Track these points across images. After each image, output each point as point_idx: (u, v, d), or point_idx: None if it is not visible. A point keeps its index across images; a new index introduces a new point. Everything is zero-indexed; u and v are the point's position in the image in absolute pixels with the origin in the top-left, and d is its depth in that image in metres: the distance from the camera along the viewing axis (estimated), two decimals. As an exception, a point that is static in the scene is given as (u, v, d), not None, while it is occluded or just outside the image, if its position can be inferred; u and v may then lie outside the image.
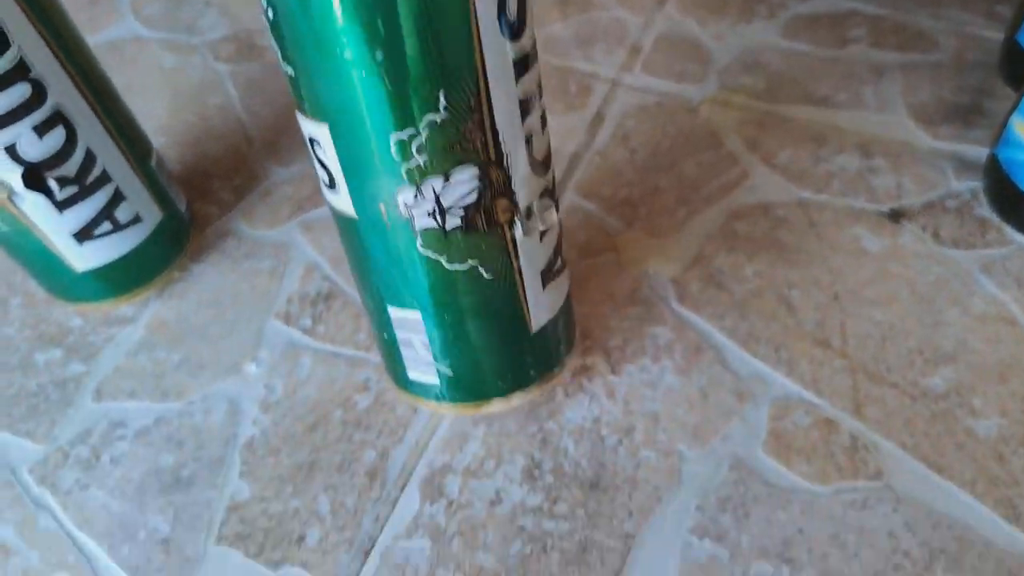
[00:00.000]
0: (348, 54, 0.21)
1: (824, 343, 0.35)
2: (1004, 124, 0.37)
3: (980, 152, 0.41)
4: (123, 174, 0.36)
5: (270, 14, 0.22)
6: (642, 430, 0.34)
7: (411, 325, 0.29)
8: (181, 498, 0.34)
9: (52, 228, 0.35)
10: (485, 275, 0.27)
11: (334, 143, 0.24)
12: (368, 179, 0.24)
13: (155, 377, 0.38)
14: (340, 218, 0.27)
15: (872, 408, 0.34)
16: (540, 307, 0.30)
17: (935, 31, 0.47)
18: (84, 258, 0.36)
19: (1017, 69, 0.43)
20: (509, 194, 0.26)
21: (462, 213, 0.25)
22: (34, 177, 0.33)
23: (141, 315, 0.40)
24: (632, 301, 0.38)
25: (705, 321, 0.37)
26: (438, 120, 0.23)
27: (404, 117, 0.22)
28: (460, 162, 0.24)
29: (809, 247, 0.39)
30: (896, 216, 0.39)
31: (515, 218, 0.26)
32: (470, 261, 0.27)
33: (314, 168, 0.26)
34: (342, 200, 0.26)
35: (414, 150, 0.23)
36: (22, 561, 0.33)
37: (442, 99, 0.23)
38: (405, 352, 0.31)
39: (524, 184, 0.26)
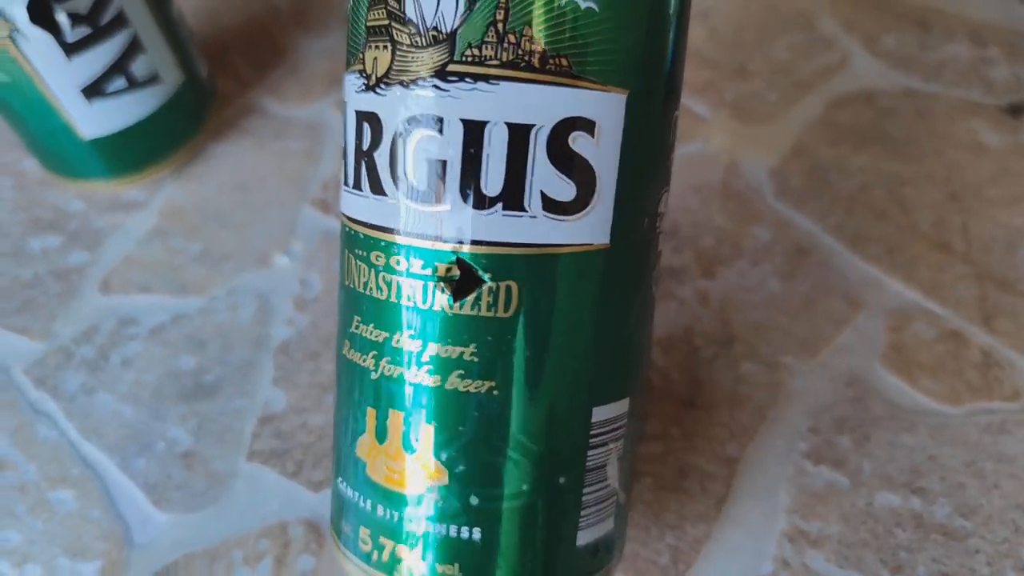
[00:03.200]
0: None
1: (944, 246, 0.30)
2: None
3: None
4: (142, 19, 0.29)
5: None
6: (742, 341, 0.28)
7: (612, 425, 0.19)
8: (205, 406, 0.28)
9: (58, 79, 0.28)
10: None
11: (626, 124, 0.16)
12: (647, 187, 0.18)
13: (171, 269, 0.31)
14: (560, 268, 0.17)
15: (1004, 320, 0.28)
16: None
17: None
18: (92, 121, 0.30)
19: None
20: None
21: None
22: (41, 8, 0.26)
23: (153, 199, 0.33)
24: (725, 195, 0.31)
25: (808, 219, 0.31)
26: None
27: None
28: None
29: (920, 140, 0.32)
30: (1016, 111, 0.33)
31: None
32: None
33: (512, 196, 0.16)
34: (591, 228, 0.17)
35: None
36: (18, 475, 0.27)
37: None
38: (588, 492, 0.18)
39: None
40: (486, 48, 0.16)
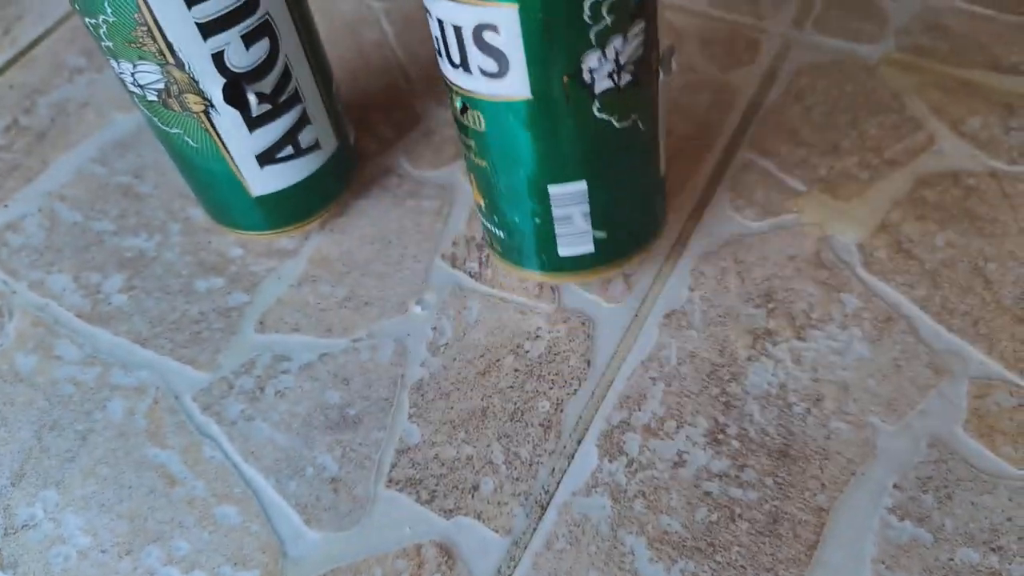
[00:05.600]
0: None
1: (1026, 322, 0.31)
2: None
3: None
4: (312, 96, 0.33)
5: None
6: (832, 399, 0.30)
7: (573, 198, 0.29)
8: (349, 437, 0.31)
9: (239, 147, 0.32)
10: (641, 128, 0.28)
11: (521, 23, 0.24)
12: (555, 53, 0.25)
13: (319, 311, 0.35)
14: (499, 109, 0.26)
15: (1083, 394, 0.29)
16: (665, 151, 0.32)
17: None
18: (262, 182, 0.34)
19: None
20: (658, 43, 0.27)
21: (632, 68, 0.26)
22: (235, 90, 0.30)
23: (303, 248, 0.37)
24: (816, 264, 0.33)
25: (895, 290, 0.32)
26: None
27: None
28: (635, 17, 0.25)
29: (1004, 219, 0.34)
30: (1098, 192, 0.34)
31: (659, 66, 0.27)
32: (632, 116, 0.28)
33: (466, 66, 0.26)
34: (513, 85, 0.26)
35: (604, 11, 0.24)
36: (187, 490, 0.31)
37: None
38: (560, 229, 0.30)
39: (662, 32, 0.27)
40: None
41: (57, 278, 0.37)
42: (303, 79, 0.32)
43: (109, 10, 0.27)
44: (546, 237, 0.30)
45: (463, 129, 0.29)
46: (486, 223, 0.32)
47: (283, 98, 0.32)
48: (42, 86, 0.46)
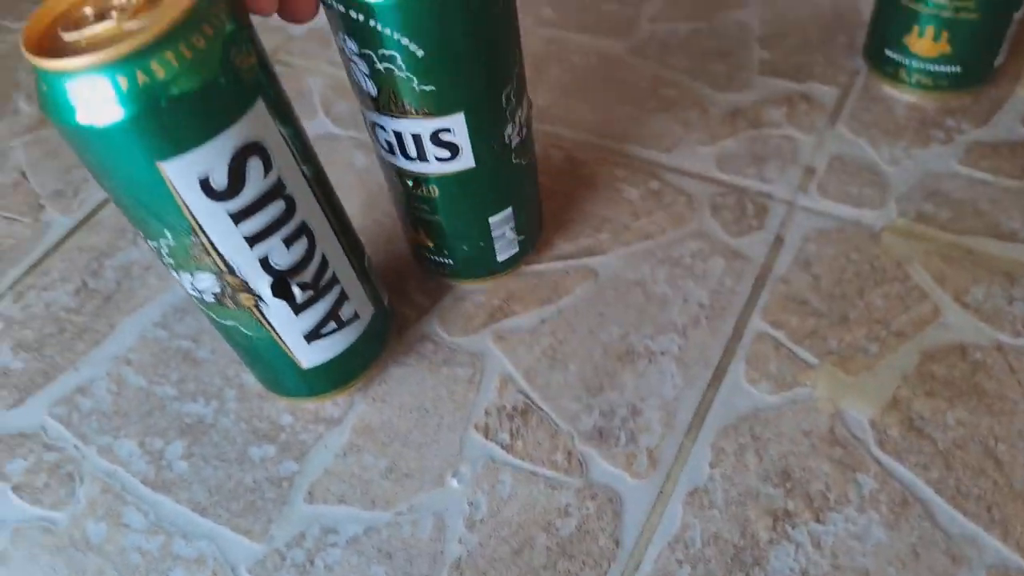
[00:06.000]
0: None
1: (1036, 502, 0.31)
2: None
3: None
4: (347, 275, 0.35)
5: (419, 53, 0.30)
6: (851, 585, 0.30)
7: (505, 220, 0.39)
8: (392, 613, 0.32)
9: (288, 330, 0.33)
10: (533, 160, 0.39)
11: (467, 123, 0.33)
12: (489, 134, 0.34)
13: (363, 483, 0.36)
14: (449, 179, 0.35)
15: (1095, 581, 0.29)
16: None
17: (1121, 164, 0.43)
18: (310, 356, 0.35)
19: None
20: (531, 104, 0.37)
21: (526, 125, 0.36)
22: (281, 285, 0.31)
23: (348, 416, 0.38)
24: (831, 442, 0.34)
25: (909, 471, 0.33)
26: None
27: (507, 76, 0.33)
28: (523, 94, 0.35)
29: (1012, 395, 0.34)
30: (1099, 364, 0.35)
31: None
32: (529, 154, 0.38)
33: (423, 157, 0.34)
34: (462, 162, 0.34)
35: (512, 97, 0.34)
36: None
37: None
38: (498, 244, 0.40)
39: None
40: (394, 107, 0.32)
41: (124, 443, 0.39)
42: (338, 263, 0.34)
43: (168, 235, 0.29)
44: (487, 252, 0.40)
45: (415, 199, 0.37)
46: (435, 258, 0.41)
47: (323, 283, 0.33)
48: (108, 249, 0.48)
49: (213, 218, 0.28)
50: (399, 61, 0.30)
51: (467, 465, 0.36)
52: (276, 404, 0.39)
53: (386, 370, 0.39)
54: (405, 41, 0.29)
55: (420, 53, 0.30)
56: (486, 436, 0.36)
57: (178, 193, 0.26)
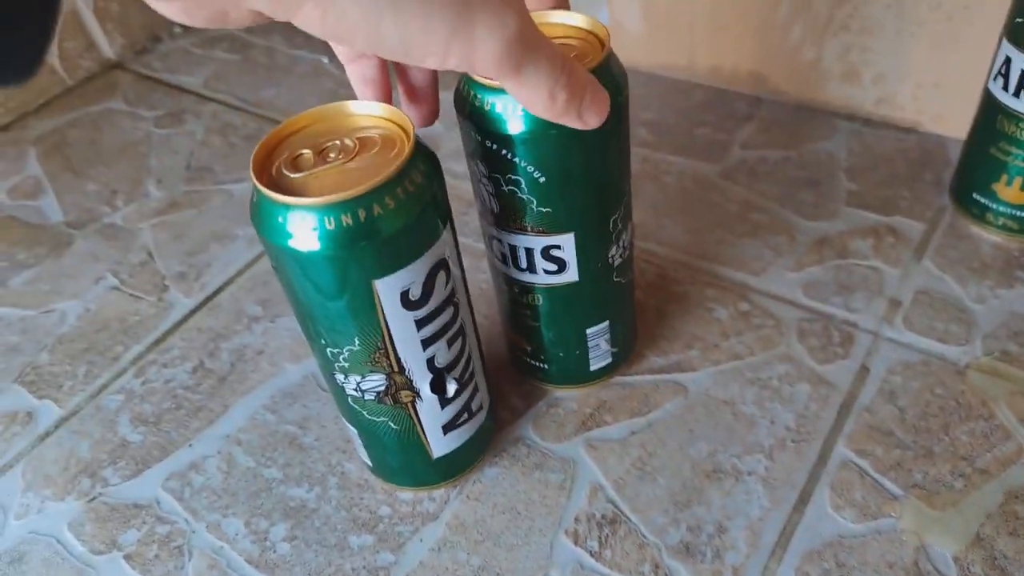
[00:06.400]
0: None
1: (1122, 653, 0.33)
2: None
3: None
4: (479, 369, 0.40)
5: (542, 179, 0.35)
6: None
7: (601, 332, 0.43)
8: None
9: (432, 423, 0.38)
10: (632, 277, 0.44)
11: (576, 242, 0.38)
12: (595, 253, 0.39)
13: (456, 578, 0.39)
14: (554, 290, 0.40)
15: None
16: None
17: None
18: (443, 446, 0.40)
19: None
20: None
21: (628, 247, 0.41)
22: (439, 381, 0.36)
23: (443, 512, 0.42)
24: (915, 575, 0.36)
25: (992, 609, 0.35)
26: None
27: (617, 204, 0.38)
28: (628, 219, 0.41)
29: (1097, 542, 0.36)
30: None
31: None
32: (628, 274, 0.43)
33: (533, 270, 0.39)
34: (567, 276, 0.39)
35: (619, 222, 0.39)
36: None
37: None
38: (592, 354, 0.44)
39: None
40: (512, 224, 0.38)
41: (231, 522, 0.43)
42: (475, 357, 0.39)
43: (357, 341, 0.34)
44: (582, 361, 0.44)
45: (520, 306, 0.42)
46: (531, 362, 0.45)
47: (467, 376, 0.38)
48: (224, 331, 0.54)
49: (403, 325, 0.33)
50: (523, 185, 0.35)
51: (557, 570, 0.39)
52: (376, 495, 0.43)
53: (482, 470, 0.43)
54: (531, 169, 0.35)
55: (543, 179, 0.35)
56: (575, 542, 0.40)
57: (381, 305, 0.32)
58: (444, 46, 0.20)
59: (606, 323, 0.43)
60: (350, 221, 0.28)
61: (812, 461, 0.41)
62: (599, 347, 0.44)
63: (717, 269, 0.53)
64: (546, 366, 0.45)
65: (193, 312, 0.56)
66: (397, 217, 0.29)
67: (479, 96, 0.34)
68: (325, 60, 0.80)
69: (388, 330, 0.33)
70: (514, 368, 0.48)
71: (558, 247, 0.38)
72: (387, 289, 0.31)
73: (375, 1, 0.19)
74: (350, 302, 0.31)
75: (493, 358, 0.49)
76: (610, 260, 0.40)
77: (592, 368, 0.45)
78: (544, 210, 0.36)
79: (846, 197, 0.57)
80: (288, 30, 0.85)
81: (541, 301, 0.41)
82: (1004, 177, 0.48)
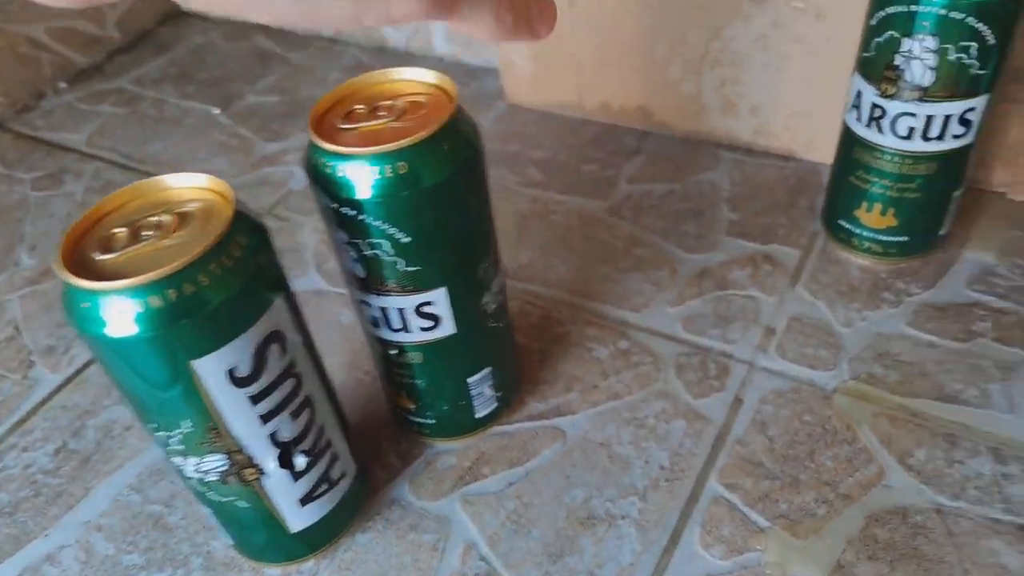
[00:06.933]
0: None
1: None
2: None
3: (1120, 466, 0.41)
4: (336, 435, 0.41)
5: (405, 240, 0.37)
6: None
7: (484, 380, 0.45)
8: None
9: (285, 497, 0.39)
10: (508, 320, 0.47)
11: (449, 295, 0.39)
12: (467, 303, 0.41)
13: (328, 648, 0.40)
14: (430, 346, 0.42)
15: None
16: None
17: (1061, 328, 0.49)
18: (301, 520, 0.40)
19: None
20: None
21: (502, 292, 0.44)
22: (285, 456, 0.37)
23: (316, 581, 0.43)
24: (778, 606, 0.39)
25: (852, 634, 0.37)
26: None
27: (484, 252, 0.41)
28: (497, 263, 0.43)
29: (949, 559, 0.39)
30: (1037, 528, 0.40)
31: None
32: (504, 318, 0.46)
33: (407, 329, 0.41)
34: (443, 330, 0.41)
35: (487, 268, 0.41)
36: None
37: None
38: (476, 402, 0.46)
39: None
40: (380, 287, 0.40)
41: (94, 609, 0.43)
42: (330, 425, 0.40)
43: (188, 423, 0.34)
44: (467, 411, 0.46)
45: (397, 366, 0.43)
46: (415, 419, 0.47)
47: (319, 448, 0.39)
48: (92, 407, 0.54)
49: (234, 403, 0.34)
50: (387, 247, 0.37)
51: (429, 630, 0.40)
52: (242, 574, 0.44)
53: (353, 536, 0.44)
54: (392, 231, 0.36)
55: (406, 239, 0.37)
56: (448, 601, 0.41)
57: (205, 386, 0.32)
58: (351, 13, 0.18)
59: (488, 369, 0.45)
60: (160, 302, 0.30)
61: (684, 499, 0.44)
62: (483, 394, 0.46)
63: (600, 308, 0.55)
64: (430, 421, 0.47)
65: (59, 389, 0.56)
66: (213, 294, 0.31)
67: (328, 163, 0.35)
68: (216, 111, 0.81)
69: (217, 410, 0.33)
70: (397, 426, 0.49)
71: (431, 303, 0.40)
72: (209, 368, 0.32)
73: None
74: (172, 385, 0.32)
75: (373, 417, 0.50)
76: (484, 307, 0.42)
77: (478, 415, 0.47)
78: (412, 269, 0.38)
79: (727, 227, 0.60)
80: (182, 80, 0.86)
81: (419, 358, 0.42)
82: (864, 204, 0.52)
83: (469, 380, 0.44)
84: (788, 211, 0.61)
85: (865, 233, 0.53)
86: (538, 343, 0.53)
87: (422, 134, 0.35)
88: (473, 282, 0.40)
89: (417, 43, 0.87)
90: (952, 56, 0.42)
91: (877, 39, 0.45)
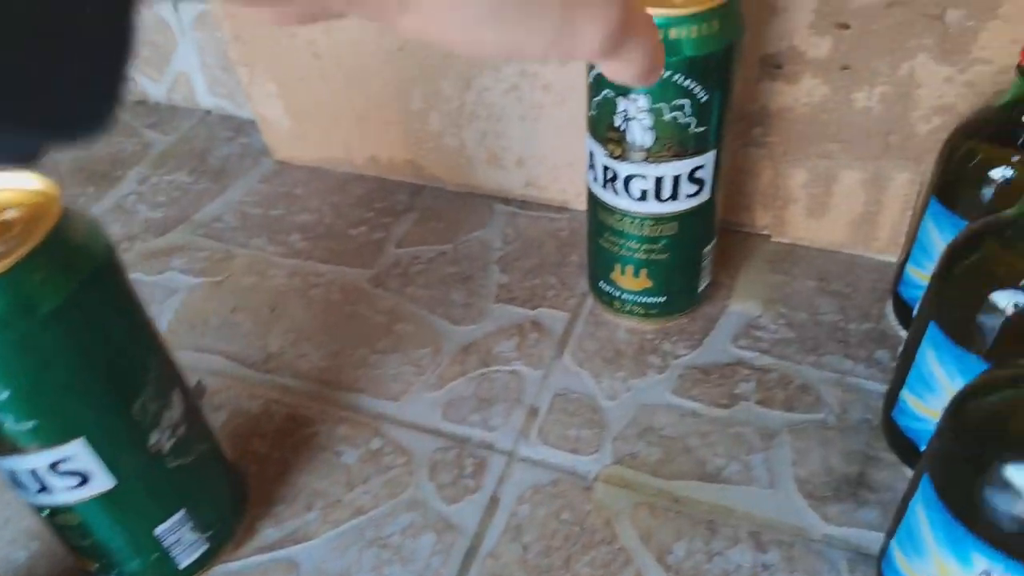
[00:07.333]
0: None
1: None
2: (897, 517, 0.35)
3: (872, 539, 0.39)
4: None
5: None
6: None
7: (177, 524, 0.39)
8: None
9: None
10: (209, 456, 0.41)
11: (91, 445, 0.33)
12: (124, 449, 0.35)
13: None
14: (91, 505, 0.35)
15: None
16: None
17: (819, 383, 0.47)
18: None
19: (896, 441, 0.42)
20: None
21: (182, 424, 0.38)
22: None
23: None
24: None
25: None
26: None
27: (138, 386, 0.35)
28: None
29: (709, 671, 0.36)
30: (798, 620, 0.37)
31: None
32: (197, 449, 0.40)
33: (55, 490, 0.34)
34: (99, 483, 0.34)
35: (148, 402, 0.35)
36: None
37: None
38: (176, 550, 0.39)
39: None
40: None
41: None
42: None
43: None
44: (165, 563, 0.39)
45: (57, 528, 0.37)
46: None
47: None
48: None
49: None
50: None
51: None
52: None
53: None
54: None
55: (3, 396, 0.30)
56: None
57: None
58: (543, 49, 0.20)
59: (181, 512, 0.38)
60: None
61: (428, 632, 0.39)
62: (182, 541, 0.39)
63: (355, 399, 0.50)
64: None
65: None
66: None
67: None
68: None
69: None
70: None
71: (67, 459, 0.33)
72: None
73: (477, 21, 0.18)
74: None
75: None
76: (155, 448, 0.36)
77: (183, 566, 0.40)
78: (28, 426, 0.31)
79: (496, 292, 0.56)
80: None
81: (76, 519, 0.36)
82: (618, 267, 0.48)
83: (157, 531, 0.38)
84: (559, 269, 0.57)
85: (625, 296, 0.50)
86: (279, 451, 0.48)
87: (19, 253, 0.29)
88: (126, 424, 0.34)
89: (179, 95, 0.79)
90: (667, 115, 0.40)
91: (596, 98, 0.42)
